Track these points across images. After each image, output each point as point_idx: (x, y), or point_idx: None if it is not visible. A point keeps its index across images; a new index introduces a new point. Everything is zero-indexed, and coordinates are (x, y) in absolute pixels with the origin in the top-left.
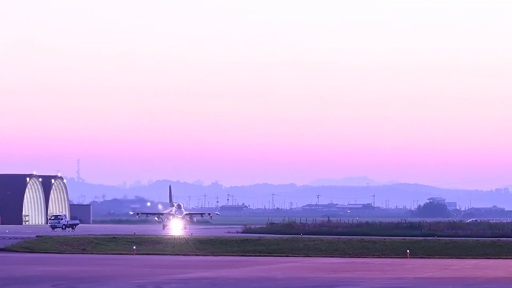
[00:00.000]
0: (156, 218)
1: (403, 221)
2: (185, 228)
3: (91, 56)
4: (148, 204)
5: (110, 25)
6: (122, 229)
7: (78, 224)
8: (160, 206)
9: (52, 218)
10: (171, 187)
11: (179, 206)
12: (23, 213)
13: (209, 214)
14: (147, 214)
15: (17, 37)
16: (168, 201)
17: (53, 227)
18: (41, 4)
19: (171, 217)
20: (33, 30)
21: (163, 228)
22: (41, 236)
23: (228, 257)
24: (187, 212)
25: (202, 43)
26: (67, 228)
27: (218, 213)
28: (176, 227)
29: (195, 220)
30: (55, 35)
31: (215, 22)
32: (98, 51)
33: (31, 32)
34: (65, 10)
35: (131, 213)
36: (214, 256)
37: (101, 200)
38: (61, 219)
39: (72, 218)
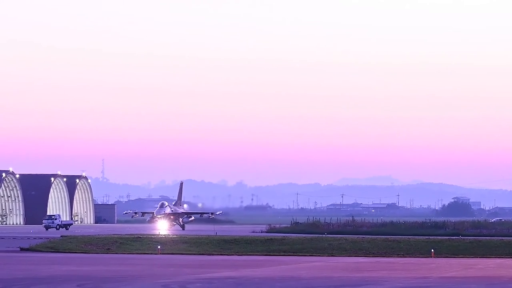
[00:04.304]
0: (148, 218)
1: (428, 221)
2: (183, 229)
3: (115, 57)
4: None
5: (130, 26)
6: (147, 229)
7: (72, 224)
8: (185, 206)
9: (46, 218)
10: (183, 184)
11: (162, 205)
12: (48, 213)
13: (212, 213)
14: (142, 213)
15: (38, 40)
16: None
17: (47, 227)
18: (47, 5)
19: (157, 217)
20: (58, 32)
21: (164, 227)
22: (66, 236)
23: (252, 256)
24: (172, 212)
25: (228, 45)
26: (61, 228)
27: (221, 212)
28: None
29: (190, 220)
30: (78, 35)
31: (230, 26)
32: (121, 52)
33: (55, 34)
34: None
35: (127, 212)
36: (238, 255)
37: (126, 199)
38: (55, 219)
39: (96, 218)
